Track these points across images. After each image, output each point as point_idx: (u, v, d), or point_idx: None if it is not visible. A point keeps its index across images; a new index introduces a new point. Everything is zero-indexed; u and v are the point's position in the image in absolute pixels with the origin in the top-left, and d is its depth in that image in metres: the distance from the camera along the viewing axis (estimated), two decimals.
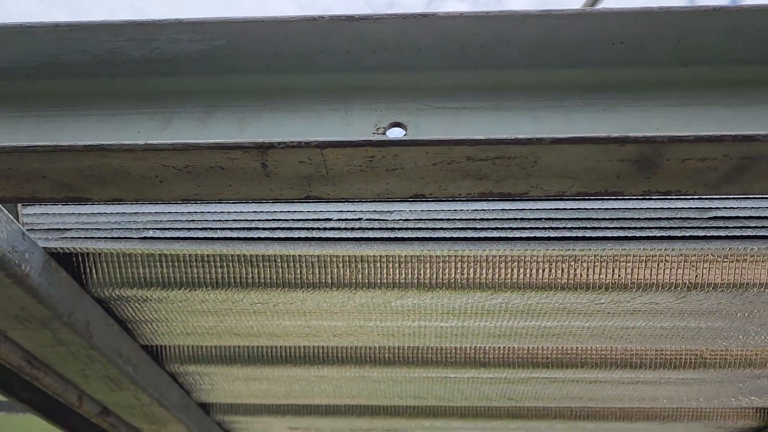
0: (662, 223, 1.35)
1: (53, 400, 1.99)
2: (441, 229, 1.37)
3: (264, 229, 1.39)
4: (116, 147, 0.90)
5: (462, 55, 1.01)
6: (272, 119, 1.00)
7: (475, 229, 1.37)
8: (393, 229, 1.38)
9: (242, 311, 1.72)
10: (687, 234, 1.35)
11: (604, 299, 1.58)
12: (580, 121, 0.98)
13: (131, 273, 1.54)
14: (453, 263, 1.49)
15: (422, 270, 1.50)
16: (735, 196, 1.33)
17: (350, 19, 0.97)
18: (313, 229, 1.38)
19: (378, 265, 1.48)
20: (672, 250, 1.37)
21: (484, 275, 1.50)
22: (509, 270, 1.48)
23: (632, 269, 1.47)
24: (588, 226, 1.35)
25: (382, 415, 2.53)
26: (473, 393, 2.28)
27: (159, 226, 1.40)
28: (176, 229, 1.40)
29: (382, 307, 1.67)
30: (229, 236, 1.40)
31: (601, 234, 1.36)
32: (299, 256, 1.48)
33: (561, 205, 1.36)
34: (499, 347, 1.99)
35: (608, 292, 1.53)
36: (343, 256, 1.47)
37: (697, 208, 1.36)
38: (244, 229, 1.39)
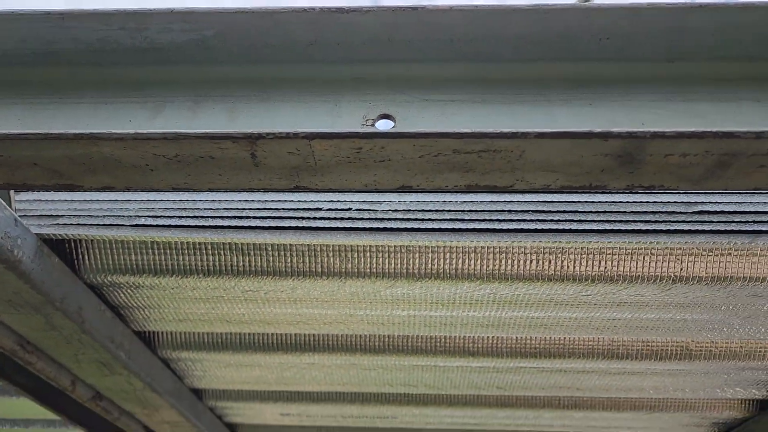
0: (648, 217, 1.37)
1: (46, 385, 2.00)
2: (430, 220, 1.39)
3: (255, 218, 1.41)
4: (107, 136, 0.92)
5: (451, 48, 1.02)
6: (263, 110, 1.01)
7: (463, 220, 1.38)
8: (382, 219, 1.39)
9: (234, 299, 1.73)
10: (672, 228, 1.37)
11: (590, 291, 1.60)
12: (565, 115, 0.99)
13: (123, 260, 1.56)
14: (442, 254, 1.50)
15: (411, 260, 1.52)
16: (719, 192, 1.35)
17: (340, 11, 0.98)
18: (303, 218, 1.40)
19: (368, 254, 1.50)
20: (657, 243, 1.39)
21: (473, 266, 1.52)
22: (497, 261, 1.50)
23: (618, 262, 1.49)
24: (575, 218, 1.37)
25: (373, 402, 2.56)
26: (462, 382, 2.31)
27: (151, 214, 1.42)
28: (168, 216, 1.42)
29: (371, 296, 1.69)
30: (220, 225, 1.41)
31: (587, 227, 1.38)
32: (290, 245, 1.50)
33: (548, 198, 1.37)
34: (488, 337, 2.01)
35: (595, 284, 1.55)
36: (333, 246, 1.49)
37: (683, 202, 1.38)
38: (234, 217, 1.41)
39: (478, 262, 1.51)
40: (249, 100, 1.01)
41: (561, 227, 1.38)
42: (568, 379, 2.24)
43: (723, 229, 1.37)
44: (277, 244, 1.50)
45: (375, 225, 1.40)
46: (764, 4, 0.97)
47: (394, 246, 1.49)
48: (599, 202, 1.38)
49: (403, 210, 1.39)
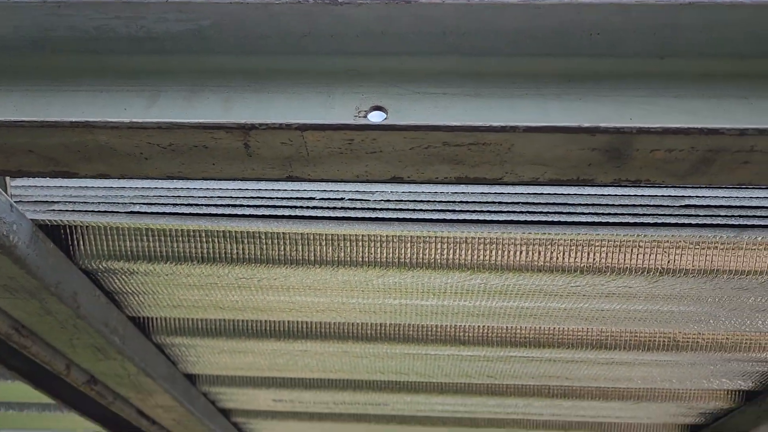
0: (636, 210, 1.39)
1: (41, 369, 2.02)
2: (421, 210, 1.40)
3: (248, 206, 1.42)
4: (102, 124, 0.93)
5: (443, 42, 1.03)
6: (257, 100, 1.02)
7: (454, 211, 1.40)
8: (375, 209, 1.41)
9: (227, 286, 1.75)
10: (660, 221, 1.39)
11: (579, 282, 1.62)
12: (555, 109, 1.01)
13: (118, 246, 1.57)
14: (433, 244, 1.52)
15: (403, 250, 1.54)
16: (706, 186, 1.37)
17: (334, 2, 0.99)
18: (296, 207, 1.41)
19: (360, 243, 1.52)
20: (645, 236, 1.41)
21: (464, 256, 1.54)
22: (487, 252, 1.52)
23: (607, 254, 1.51)
24: (564, 211, 1.39)
25: (364, 390, 2.59)
26: (453, 370, 2.34)
27: (145, 201, 1.43)
28: (162, 204, 1.43)
29: (363, 285, 1.71)
30: (214, 212, 1.42)
31: (576, 219, 1.39)
32: (283, 233, 1.51)
33: (538, 190, 1.39)
34: (478, 326, 2.04)
35: (583, 275, 1.57)
36: (325, 235, 1.50)
37: (670, 196, 1.39)
38: (228, 206, 1.42)
39: (469, 252, 1.53)
40: (244, 90, 1.02)
41: (550, 219, 1.40)
42: (557, 369, 2.27)
43: (709, 222, 1.39)
44: (271, 233, 1.52)
45: (367, 215, 1.41)
46: (753, 2, 0.98)
47: (386, 235, 1.51)
48: (588, 194, 1.40)
49: (395, 200, 1.41)
